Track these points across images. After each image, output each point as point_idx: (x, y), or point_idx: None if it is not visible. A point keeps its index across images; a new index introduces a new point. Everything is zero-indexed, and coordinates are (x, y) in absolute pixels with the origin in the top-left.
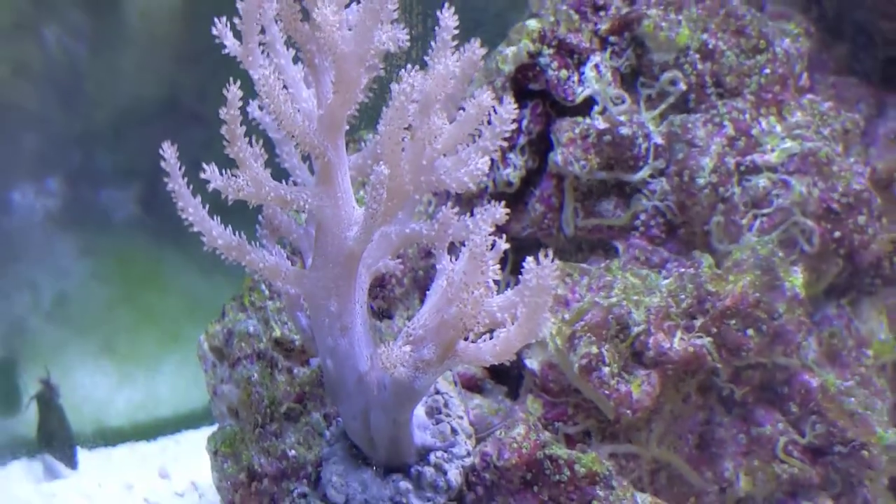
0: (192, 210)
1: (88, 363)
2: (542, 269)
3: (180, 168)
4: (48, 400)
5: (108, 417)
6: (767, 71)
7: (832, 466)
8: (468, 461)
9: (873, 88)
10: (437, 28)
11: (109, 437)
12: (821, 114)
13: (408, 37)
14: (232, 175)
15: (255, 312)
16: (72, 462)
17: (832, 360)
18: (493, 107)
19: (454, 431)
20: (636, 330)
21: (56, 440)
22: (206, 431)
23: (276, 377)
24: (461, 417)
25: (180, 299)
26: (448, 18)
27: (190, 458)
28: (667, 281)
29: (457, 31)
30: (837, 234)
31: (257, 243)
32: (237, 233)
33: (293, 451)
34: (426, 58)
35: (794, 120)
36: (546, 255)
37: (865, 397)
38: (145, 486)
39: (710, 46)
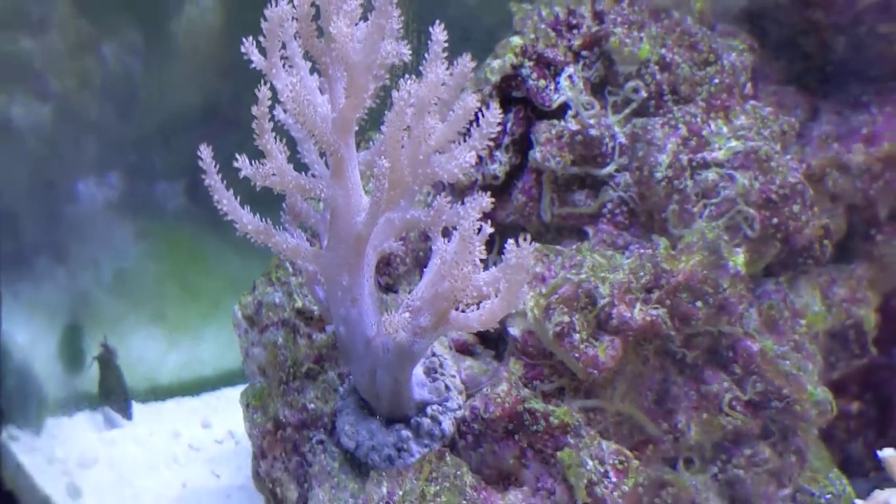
0: (226, 201)
1: (142, 330)
2: (521, 251)
3: (216, 166)
4: (108, 361)
5: (158, 376)
6: (716, 81)
7: (770, 419)
8: (459, 413)
9: (809, 96)
10: (429, 42)
11: (159, 393)
12: (762, 117)
13: (409, 50)
14: (260, 164)
15: (281, 286)
16: (127, 414)
17: (770, 328)
18: (481, 110)
19: (448, 388)
20: (602, 302)
21: (114, 395)
22: (241, 388)
23: (297, 341)
24: (454, 376)
25: (219, 276)
26: (439, 34)
27: (228, 410)
28: (628, 260)
29: (446, 45)
30: (775, 220)
31: (281, 228)
32: (264, 219)
33: (312, 405)
34: (421, 68)
35: (738, 123)
36: (525, 239)
37: (798, 360)
38: (190, 435)
39: (668, 60)
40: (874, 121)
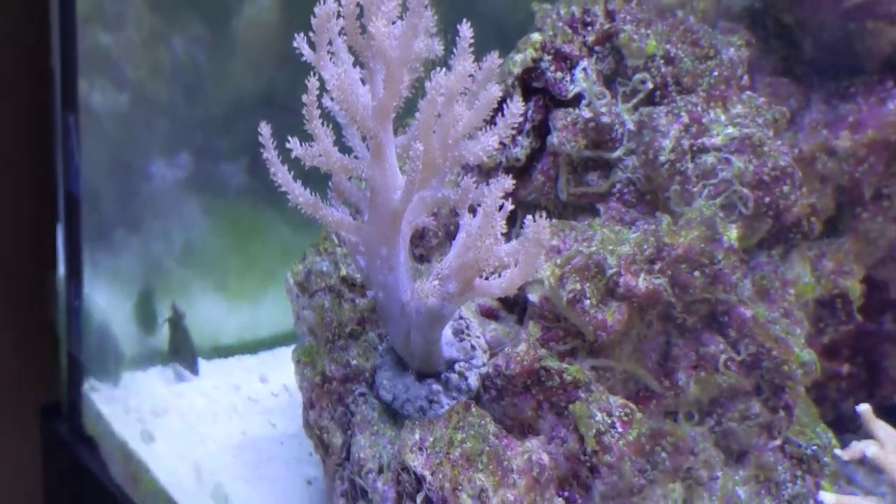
0: (281, 175)
1: (207, 295)
2: (537, 226)
3: (273, 143)
4: (176, 322)
5: (221, 336)
6: (716, 73)
7: (761, 378)
8: (484, 370)
9: (802, 87)
10: (457, 38)
11: (222, 352)
12: (756, 107)
13: (441, 46)
14: (309, 146)
15: (328, 256)
16: (194, 369)
17: (762, 296)
18: (506, 101)
19: (473, 348)
20: (610, 272)
21: (182, 353)
22: (293, 347)
23: (342, 305)
24: (479, 337)
25: (275, 247)
26: (465, 30)
27: (282, 367)
28: (634, 235)
29: (472, 41)
30: (767, 199)
31: (328, 203)
32: (314, 194)
33: (355, 361)
34: (450, 61)
35: (735, 111)
36: (541, 216)
37: (787, 325)
38: (249, 388)
39: (672, 54)
40: (860, 110)
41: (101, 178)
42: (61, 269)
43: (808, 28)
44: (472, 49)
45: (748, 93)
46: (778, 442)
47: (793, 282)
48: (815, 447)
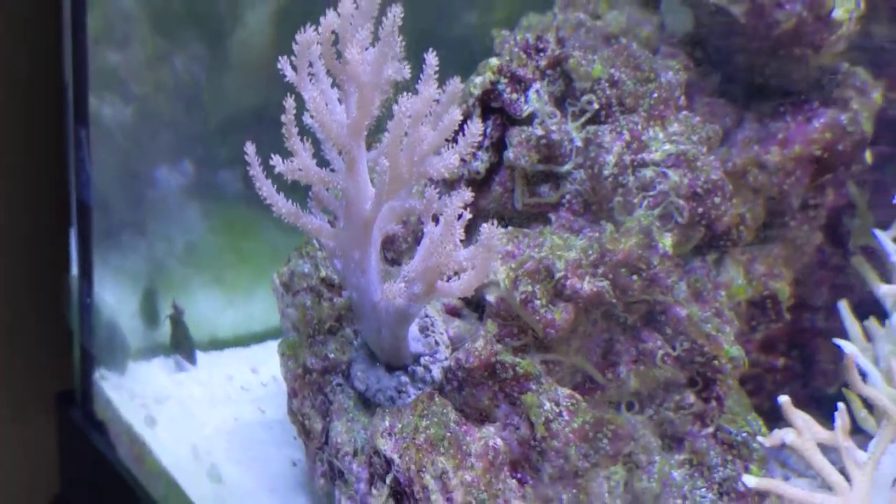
0: (266, 188)
1: (204, 292)
2: (491, 232)
3: (259, 160)
4: (177, 318)
5: (217, 330)
6: (655, 95)
7: (695, 371)
8: (446, 363)
9: (736, 107)
10: (423, 65)
11: (218, 344)
12: (692, 125)
13: (409, 71)
14: (290, 161)
15: (309, 259)
16: (193, 360)
17: (696, 297)
18: (466, 122)
19: (437, 343)
20: (558, 275)
21: (182, 345)
22: None
23: (322, 304)
24: (442, 334)
25: (267, 249)
26: (431, 58)
27: (272, 359)
28: (580, 242)
29: (437, 67)
30: (700, 210)
31: (308, 211)
32: (295, 204)
33: (333, 354)
34: (418, 85)
35: (672, 129)
36: (492, 224)
37: (718, 324)
38: (241, 378)
39: (616, 77)
40: (788, 128)
41: (111, 185)
42: (74, 270)
43: (742, 53)
44: (436, 75)
45: (685, 112)
46: (710, 429)
47: (727, 284)
48: (745, 434)
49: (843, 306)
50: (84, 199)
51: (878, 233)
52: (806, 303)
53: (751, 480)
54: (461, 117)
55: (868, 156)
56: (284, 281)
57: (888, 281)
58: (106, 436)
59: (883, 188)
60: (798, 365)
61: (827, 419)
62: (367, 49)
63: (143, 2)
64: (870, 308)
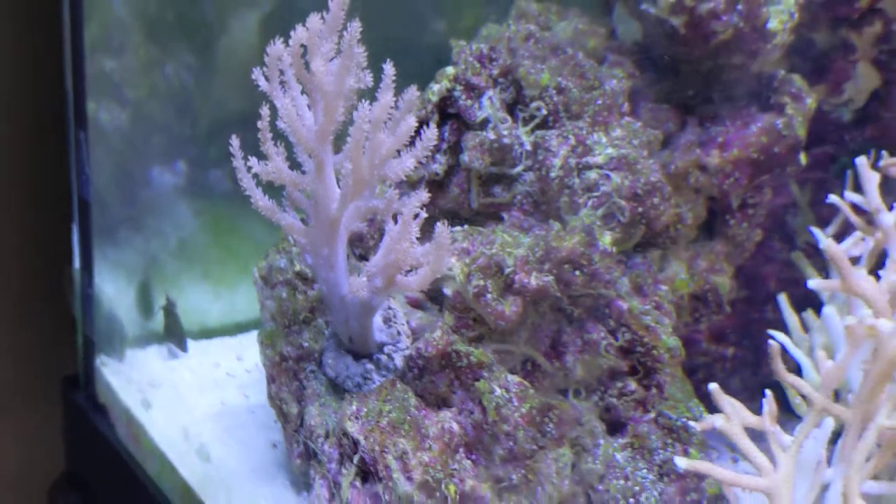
0: (246, 181)
1: (195, 285)
2: (442, 231)
3: (242, 155)
4: (170, 309)
5: (205, 320)
6: (599, 102)
7: (636, 360)
8: (407, 352)
9: (679, 112)
10: (382, 74)
11: (206, 334)
12: (633, 130)
13: (371, 80)
14: (265, 164)
15: (285, 254)
16: (184, 348)
17: (637, 291)
18: (423, 127)
19: (399, 333)
20: (507, 270)
21: (174, 334)
22: None
23: (296, 296)
24: (404, 324)
25: (251, 245)
26: (389, 68)
27: (255, 347)
28: (528, 239)
29: (395, 77)
30: (640, 209)
31: (284, 209)
32: (272, 201)
33: (306, 343)
34: (377, 94)
35: (614, 134)
36: (446, 223)
37: (657, 316)
38: (227, 365)
39: (563, 85)
40: (728, 132)
41: (109, 184)
42: (76, 263)
43: (684, 62)
44: (394, 84)
45: (627, 118)
46: (652, 415)
47: (671, 279)
48: (685, 419)
49: (783, 299)
50: (84, 196)
51: (814, 229)
52: (756, 296)
53: (682, 462)
54: (416, 123)
55: (803, 157)
56: (263, 274)
57: (828, 275)
58: (107, 417)
59: (826, 187)
60: (749, 354)
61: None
62: (331, 61)
63: (136, 12)
64: (816, 300)
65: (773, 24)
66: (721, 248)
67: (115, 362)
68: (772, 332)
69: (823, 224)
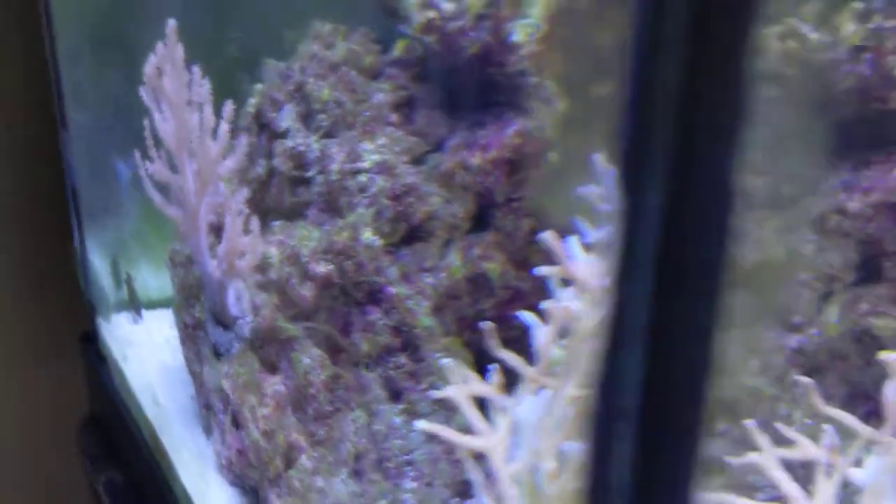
0: (145, 181)
1: (144, 264)
2: (254, 223)
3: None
4: (129, 282)
5: (152, 294)
6: (367, 113)
7: (404, 335)
8: (252, 325)
9: (450, 118)
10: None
11: (154, 305)
12: (395, 138)
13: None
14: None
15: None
16: (140, 316)
17: (405, 279)
18: (240, 137)
19: (245, 309)
20: (304, 260)
21: (133, 304)
22: None
23: (188, 275)
24: (250, 302)
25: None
26: (205, 84)
27: None
28: (318, 234)
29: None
30: (401, 208)
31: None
32: (165, 198)
33: (197, 314)
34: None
35: (379, 143)
36: (256, 218)
37: (419, 299)
38: (165, 332)
39: (340, 99)
40: (488, 135)
41: (88, 176)
42: (76, 241)
43: (448, 73)
44: (211, 99)
45: (391, 128)
46: (424, 386)
47: (448, 266)
48: None
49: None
50: (74, 185)
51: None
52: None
53: (420, 424)
54: (229, 131)
55: (552, 157)
56: (170, 256)
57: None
58: (107, 368)
59: None
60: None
61: None
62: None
63: (85, 34)
64: None
65: (518, 37)
66: (492, 239)
67: (106, 323)
68: (520, 313)
69: None
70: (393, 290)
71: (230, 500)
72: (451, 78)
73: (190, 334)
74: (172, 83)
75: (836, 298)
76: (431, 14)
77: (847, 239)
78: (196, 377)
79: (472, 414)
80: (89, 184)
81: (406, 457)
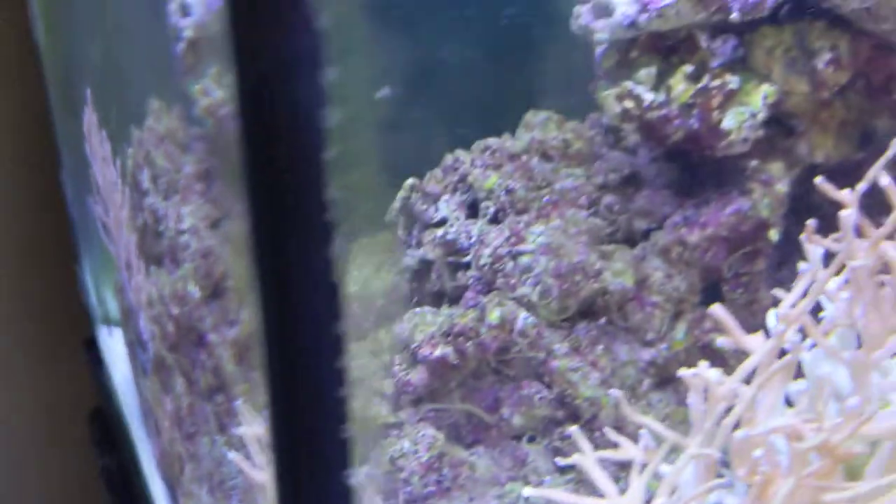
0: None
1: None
2: None
3: None
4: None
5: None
6: (547, 199)
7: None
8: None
9: (677, 197)
10: None
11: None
12: (574, 220)
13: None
14: None
15: None
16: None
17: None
18: None
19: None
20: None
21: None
22: None
23: (124, 301)
24: None
25: None
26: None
27: None
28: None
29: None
30: (566, 286)
31: None
32: None
33: (131, 336)
34: None
35: (553, 225)
36: None
37: (587, 372)
38: None
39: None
40: (709, 213)
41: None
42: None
43: (654, 159)
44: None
45: (573, 209)
46: None
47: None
48: None
49: None
50: (71, 216)
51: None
52: None
53: (527, 491)
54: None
55: (772, 234)
56: (115, 283)
57: None
58: (105, 369)
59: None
60: None
61: None
62: None
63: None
64: None
65: (731, 124)
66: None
67: (101, 328)
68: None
69: None
70: (556, 363)
71: (165, 494)
72: (654, 163)
73: (132, 352)
74: (94, 140)
75: (684, 318)
76: (629, 104)
77: (690, 266)
78: (137, 387)
79: (598, 476)
80: (80, 217)
81: None
